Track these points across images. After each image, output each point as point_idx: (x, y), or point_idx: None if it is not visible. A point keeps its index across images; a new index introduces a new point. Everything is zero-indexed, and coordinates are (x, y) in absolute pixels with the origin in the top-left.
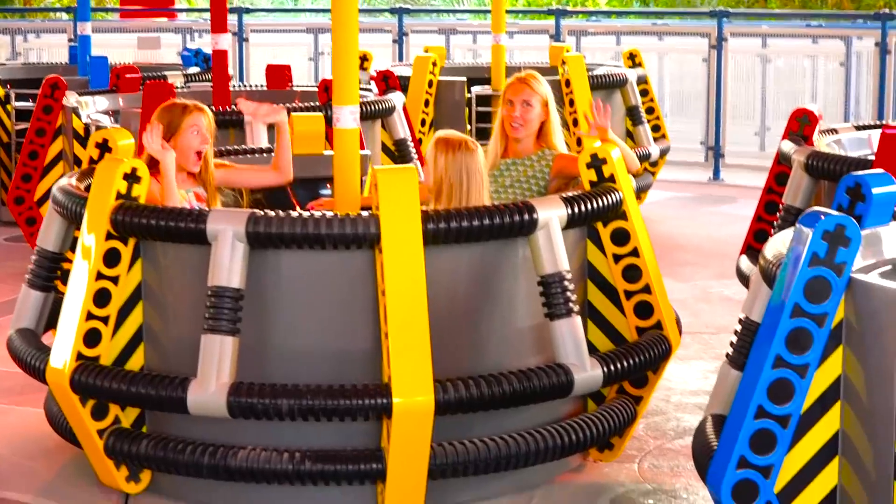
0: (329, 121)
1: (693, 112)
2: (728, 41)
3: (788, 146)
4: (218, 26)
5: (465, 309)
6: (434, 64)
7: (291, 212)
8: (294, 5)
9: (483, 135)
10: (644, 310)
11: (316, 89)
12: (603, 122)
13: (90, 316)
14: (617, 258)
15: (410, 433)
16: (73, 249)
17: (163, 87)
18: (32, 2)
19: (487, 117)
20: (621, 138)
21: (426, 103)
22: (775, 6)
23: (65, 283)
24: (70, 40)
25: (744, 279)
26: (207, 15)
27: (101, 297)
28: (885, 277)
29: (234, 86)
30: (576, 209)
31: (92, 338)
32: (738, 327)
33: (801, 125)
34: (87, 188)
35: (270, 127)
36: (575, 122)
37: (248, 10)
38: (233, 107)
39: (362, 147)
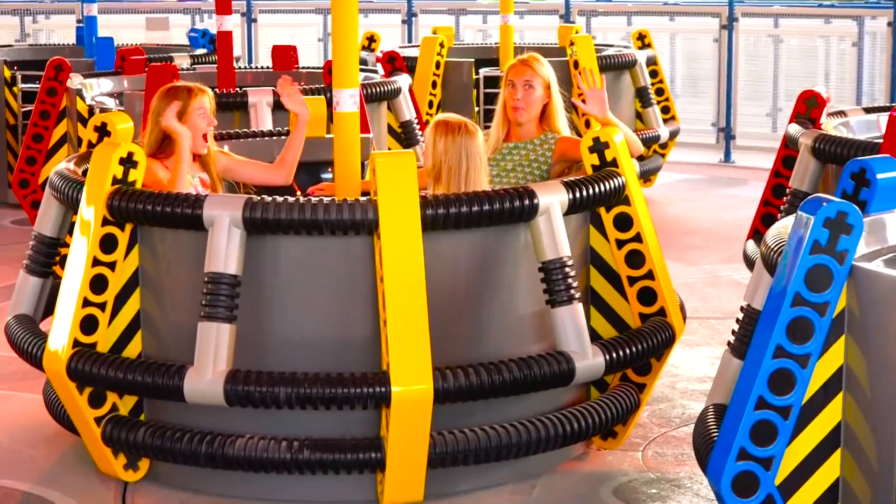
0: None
1: (704, 93)
2: (739, 21)
3: (795, 129)
4: (223, 7)
5: (466, 296)
6: (442, 45)
7: (289, 197)
8: None
9: (491, 117)
10: (647, 296)
11: (321, 71)
12: (597, 92)
13: (87, 302)
14: (620, 244)
15: (409, 422)
16: (71, 234)
17: (166, 70)
18: None
19: (495, 99)
20: (630, 120)
21: (433, 85)
22: None
23: (63, 268)
24: (78, 21)
25: (750, 264)
26: None
27: (98, 284)
28: (889, 264)
29: (240, 67)
30: (577, 194)
31: (89, 324)
32: (740, 315)
33: (809, 107)
34: (85, 172)
35: (275, 110)
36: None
37: None
38: (238, 89)
39: (368, 129)
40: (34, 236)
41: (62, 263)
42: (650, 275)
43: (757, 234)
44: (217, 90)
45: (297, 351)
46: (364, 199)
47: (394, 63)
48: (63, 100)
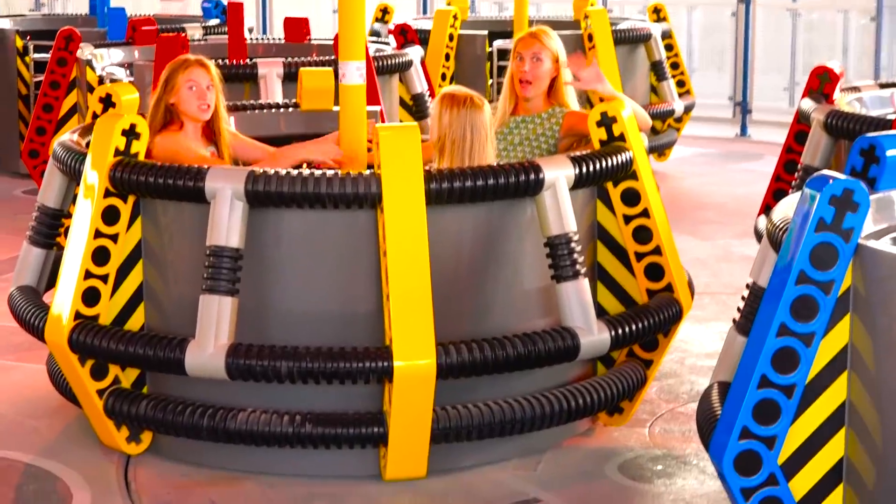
0: None
1: (722, 67)
2: None
3: (808, 104)
4: None
5: (471, 270)
6: (455, 17)
7: (292, 170)
8: None
9: None
10: (654, 272)
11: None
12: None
13: (89, 274)
14: (627, 219)
15: (412, 397)
16: (74, 206)
17: (176, 41)
18: None
19: None
20: (645, 94)
21: (447, 57)
22: None
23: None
24: None
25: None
26: None
27: (100, 256)
28: None
29: (253, 38)
30: (584, 169)
31: (91, 296)
32: (746, 292)
33: (822, 82)
34: (88, 144)
35: (285, 81)
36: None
37: None
38: (249, 60)
39: (378, 102)
40: (37, 207)
41: (67, 235)
42: (658, 250)
43: (768, 209)
44: (228, 61)
45: (301, 325)
46: (367, 172)
47: (406, 35)
48: (73, 70)
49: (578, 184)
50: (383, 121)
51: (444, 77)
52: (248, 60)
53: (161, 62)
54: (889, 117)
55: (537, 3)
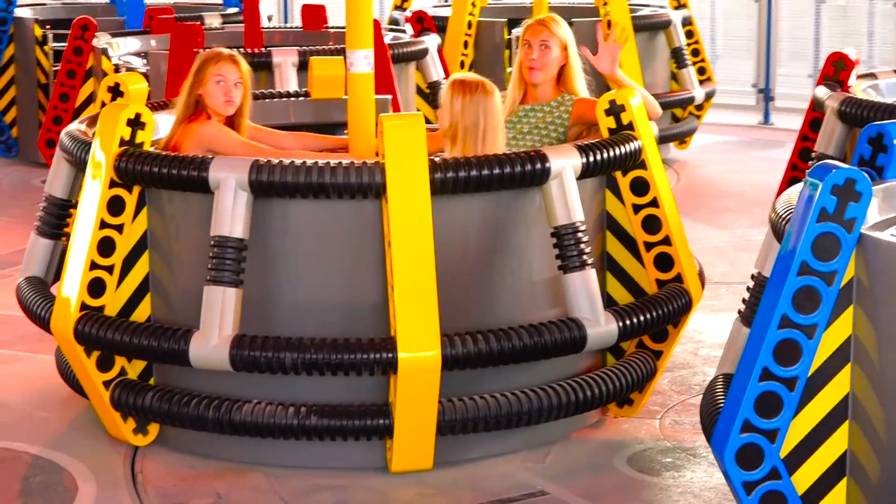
0: None
1: (745, 53)
2: None
3: (822, 92)
4: None
5: (478, 261)
6: (474, 4)
7: (296, 160)
8: None
9: None
10: (664, 262)
11: None
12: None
13: (94, 265)
14: (636, 208)
15: (417, 388)
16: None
17: (191, 30)
18: None
19: None
20: (665, 81)
21: (465, 45)
22: None
23: None
24: None
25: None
26: None
27: (106, 246)
28: None
29: (272, 27)
30: (591, 158)
31: (96, 287)
32: (751, 283)
33: (837, 69)
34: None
35: (300, 70)
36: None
37: None
38: (265, 48)
39: (394, 90)
40: (45, 198)
41: None
42: (667, 240)
43: None
44: (244, 50)
45: (306, 316)
46: (372, 162)
47: (422, 23)
48: (89, 59)
49: (586, 173)
50: (397, 109)
51: (462, 65)
52: (263, 49)
53: (176, 51)
54: None
55: None
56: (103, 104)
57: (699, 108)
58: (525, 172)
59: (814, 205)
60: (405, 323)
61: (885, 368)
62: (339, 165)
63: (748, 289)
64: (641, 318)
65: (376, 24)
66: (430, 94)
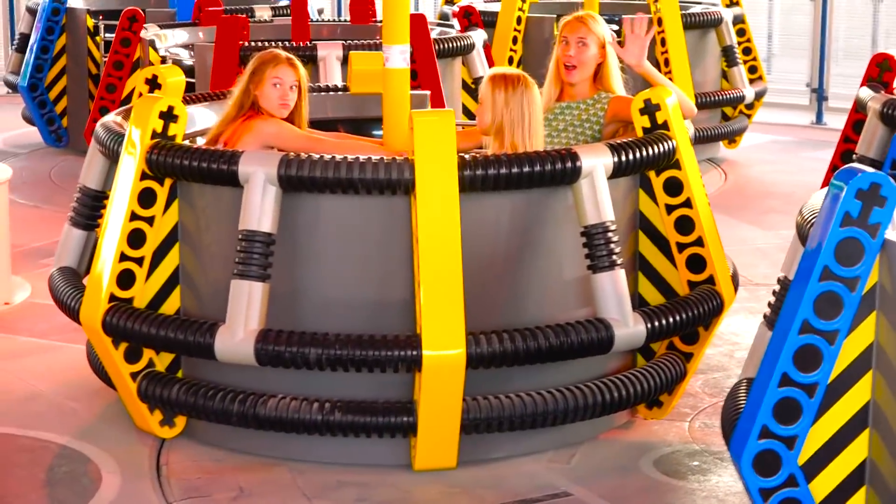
0: None
1: (803, 52)
2: None
3: (865, 93)
4: None
5: (508, 259)
6: (524, 0)
7: (325, 155)
8: None
9: None
10: (696, 263)
11: None
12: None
13: (124, 257)
14: (669, 209)
15: (441, 386)
16: None
17: (236, 22)
18: None
19: None
20: (715, 80)
21: (514, 40)
22: None
23: None
24: None
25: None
26: None
27: (136, 238)
28: None
29: (322, 20)
30: (623, 157)
31: (125, 279)
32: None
33: (882, 71)
34: None
35: (344, 63)
36: (666, 63)
37: None
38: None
39: (438, 85)
40: (79, 189)
41: None
42: (699, 241)
43: None
44: (291, 43)
45: (334, 312)
46: (401, 158)
47: (469, 18)
48: (137, 50)
49: (617, 172)
50: (441, 104)
51: (511, 61)
52: (309, 42)
53: (221, 43)
54: None
55: None
56: (140, 95)
57: (749, 107)
58: (555, 171)
59: (837, 209)
60: (431, 320)
61: None
62: (368, 161)
63: (774, 293)
64: (671, 319)
65: (422, 18)
66: (475, 89)
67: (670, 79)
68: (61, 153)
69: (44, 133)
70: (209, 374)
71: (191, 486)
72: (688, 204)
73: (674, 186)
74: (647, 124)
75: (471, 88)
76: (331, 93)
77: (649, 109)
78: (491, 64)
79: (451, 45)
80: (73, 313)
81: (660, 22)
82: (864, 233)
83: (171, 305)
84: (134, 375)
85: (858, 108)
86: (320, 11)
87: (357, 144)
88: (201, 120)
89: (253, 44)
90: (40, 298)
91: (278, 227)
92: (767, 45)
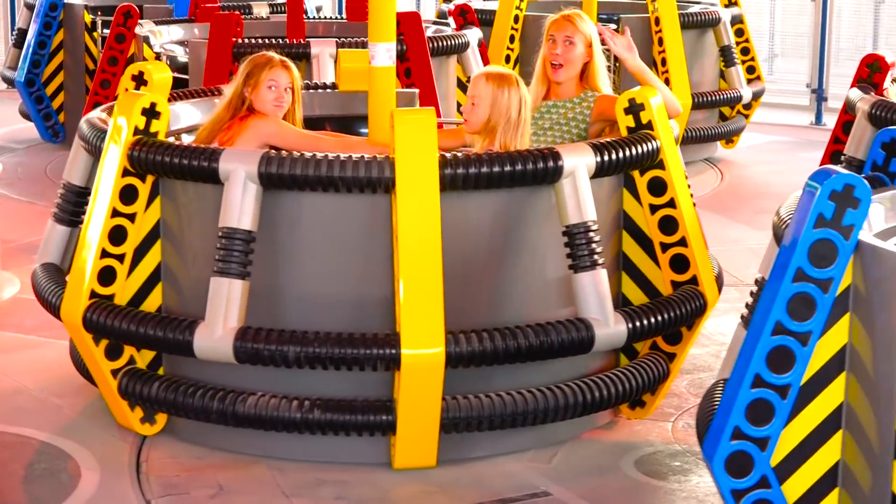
0: (400, 56)
1: (804, 52)
2: None
3: (855, 94)
4: None
5: (490, 258)
6: None
7: (306, 153)
8: None
9: None
10: (679, 263)
11: None
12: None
13: (105, 254)
14: (653, 209)
15: (420, 385)
16: None
17: (229, 19)
18: None
19: None
20: (713, 80)
21: (511, 39)
22: None
23: None
24: None
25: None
26: None
27: (117, 235)
28: None
29: (319, 17)
30: (605, 157)
31: (106, 276)
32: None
33: (872, 72)
34: None
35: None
36: (664, 62)
37: None
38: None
39: (432, 83)
40: (63, 185)
41: None
42: (683, 242)
43: None
44: (286, 39)
45: (315, 309)
46: (381, 156)
47: (465, 16)
48: (131, 46)
49: (600, 172)
50: (434, 103)
51: (508, 59)
52: (303, 40)
53: (214, 40)
54: None
55: None
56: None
57: (747, 107)
58: (537, 170)
59: (811, 210)
60: (410, 319)
61: (880, 378)
62: (348, 159)
63: (751, 293)
64: (652, 319)
65: (416, 16)
66: None
67: (667, 79)
68: (58, 149)
69: (40, 129)
70: (190, 371)
71: (170, 484)
72: (671, 204)
73: (658, 186)
74: (632, 124)
75: (465, 87)
76: (318, 90)
77: (633, 109)
78: (486, 62)
79: (445, 43)
80: (55, 310)
81: (657, 21)
82: (837, 234)
83: (152, 302)
84: (115, 372)
85: (848, 109)
86: (318, 9)
87: (356, 144)
88: (187, 117)
89: (247, 41)
90: (29, 294)
91: (259, 224)
92: (769, 46)
